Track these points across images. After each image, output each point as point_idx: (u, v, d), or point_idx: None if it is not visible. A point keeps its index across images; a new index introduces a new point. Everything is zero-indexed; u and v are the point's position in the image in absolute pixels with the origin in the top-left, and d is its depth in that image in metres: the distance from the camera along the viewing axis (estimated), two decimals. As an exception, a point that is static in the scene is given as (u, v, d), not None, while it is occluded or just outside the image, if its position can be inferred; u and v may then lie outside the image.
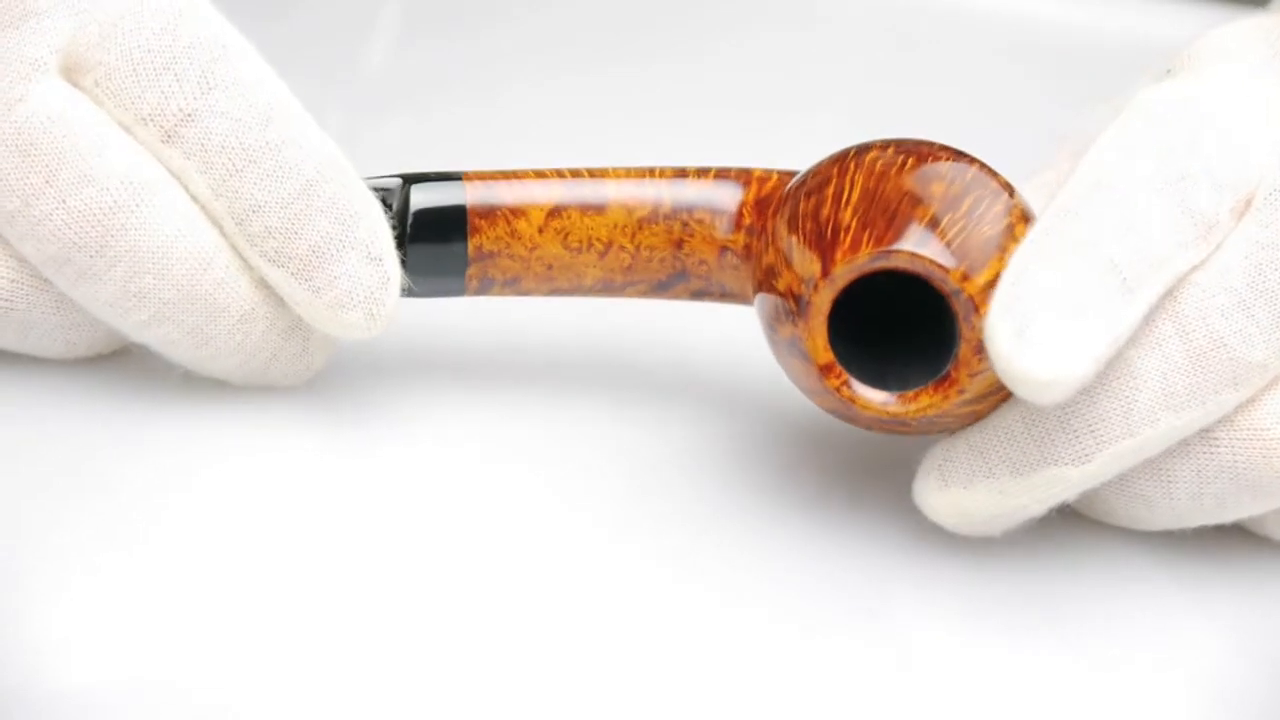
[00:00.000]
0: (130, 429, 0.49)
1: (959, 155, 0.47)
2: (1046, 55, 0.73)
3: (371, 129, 0.64)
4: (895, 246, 0.46)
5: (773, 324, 0.47)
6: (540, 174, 0.50)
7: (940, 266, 0.45)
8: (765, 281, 0.48)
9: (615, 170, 0.50)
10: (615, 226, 0.50)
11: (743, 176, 0.50)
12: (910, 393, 0.46)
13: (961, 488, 0.46)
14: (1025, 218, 0.46)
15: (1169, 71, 0.49)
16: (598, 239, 0.50)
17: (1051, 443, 0.45)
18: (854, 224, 0.46)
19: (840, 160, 0.47)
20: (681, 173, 0.50)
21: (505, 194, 0.50)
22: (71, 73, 0.48)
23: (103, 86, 0.48)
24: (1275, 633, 0.47)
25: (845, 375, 0.46)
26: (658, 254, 0.50)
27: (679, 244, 0.50)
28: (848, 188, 0.46)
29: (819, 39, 0.73)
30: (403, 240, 0.49)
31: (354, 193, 0.48)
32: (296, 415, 0.50)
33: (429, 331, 0.54)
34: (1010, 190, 0.47)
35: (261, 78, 0.48)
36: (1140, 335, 0.45)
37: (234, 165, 0.47)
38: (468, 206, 0.49)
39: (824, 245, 0.46)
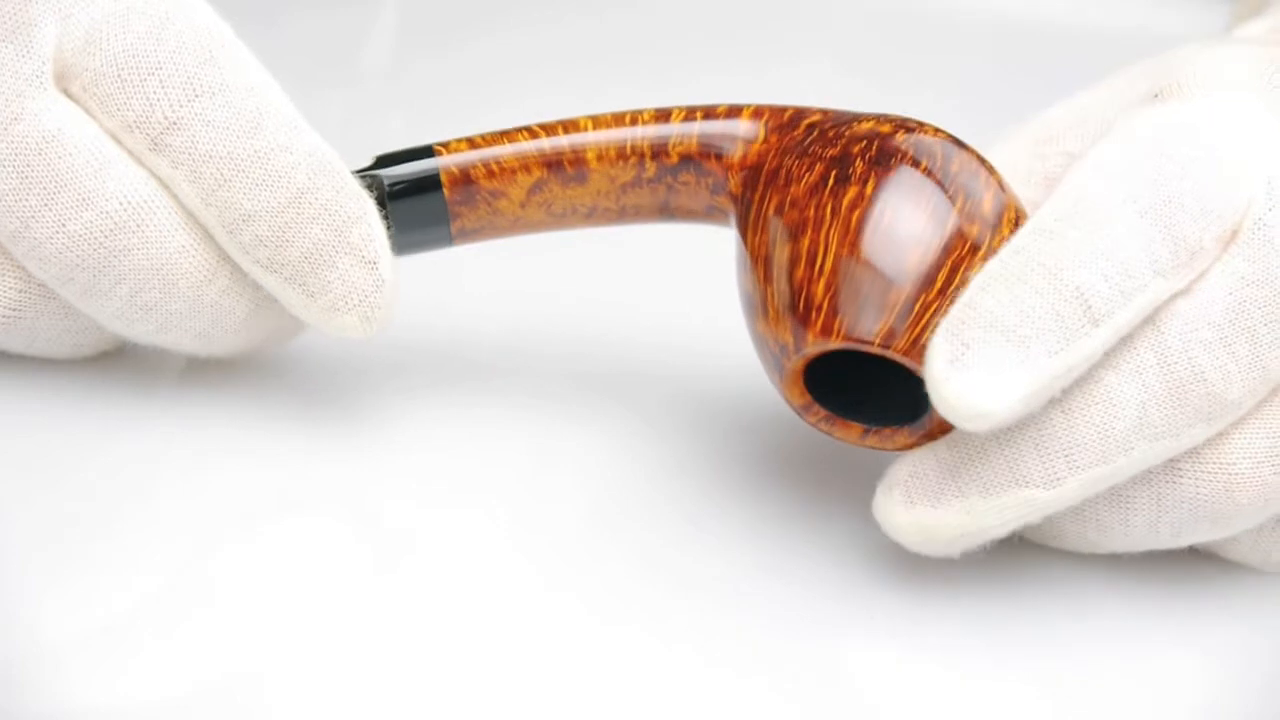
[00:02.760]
0: (121, 433, 0.49)
1: (947, 173, 0.45)
2: (1041, 47, 0.73)
3: (369, 134, 0.64)
4: (865, 339, 0.44)
5: (757, 348, 0.46)
6: (512, 137, 0.48)
7: (910, 357, 0.44)
8: (750, 305, 0.46)
9: (595, 122, 0.48)
10: (599, 193, 0.49)
11: (727, 135, 0.48)
12: (887, 429, 0.45)
13: (929, 506, 0.45)
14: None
15: (1157, 95, 0.48)
16: (581, 204, 0.49)
17: (1024, 464, 0.44)
18: (826, 305, 0.44)
19: (818, 193, 0.45)
20: (664, 116, 0.48)
21: (484, 180, 0.48)
22: (61, 79, 0.47)
23: (89, 92, 0.47)
24: (1240, 649, 0.47)
25: (822, 412, 0.46)
26: (644, 209, 0.49)
27: (664, 202, 0.49)
28: (821, 250, 0.44)
29: (815, 38, 0.74)
30: (383, 207, 0.48)
31: (347, 197, 0.47)
32: (288, 417, 0.50)
33: (422, 334, 0.54)
34: (999, 221, 0.45)
35: (251, 83, 0.47)
36: (1121, 361, 0.44)
37: (222, 175, 0.46)
38: (446, 199, 0.48)
39: (797, 316, 0.44)
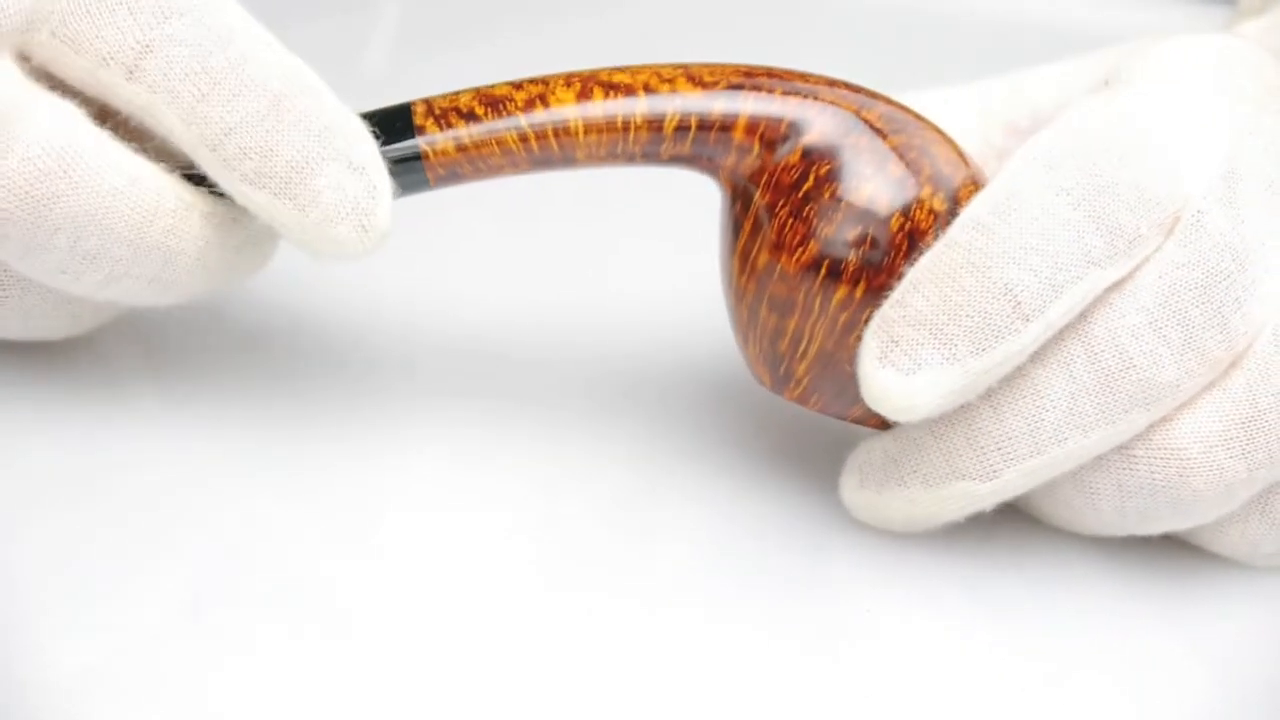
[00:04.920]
0: (121, 440, 0.49)
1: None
2: (1041, 47, 0.72)
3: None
4: (838, 417, 0.46)
5: (737, 344, 0.48)
6: (492, 119, 0.47)
7: (883, 430, 0.46)
8: (734, 322, 0.47)
9: (582, 105, 0.47)
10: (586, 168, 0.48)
11: (720, 142, 0.46)
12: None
13: (875, 491, 0.46)
14: None
15: (1106, 83, 0.47)
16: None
17: (959, 457, 0.45)
18: (806, 381, 0.46)
19: (808, 280, 0.45)
20: (657, 124, 0.47)
21: (471, 176, 0.47)
22: (27, 34, 0.46)
23: (59, 35, 0.46)
24: (1228, 635, 0.47)
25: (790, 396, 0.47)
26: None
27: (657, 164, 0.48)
28: (806, 338, 0.46)
29: (814, 38, 0.74)
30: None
31: (325, 106, 0.46)
32: (284, 422, 0.50)
33: (411, 331, 0.54)
34: None
35: (221, 4, 0.46)
36: (1048, 354, 0.44)
37: (199, 90, 0.46)
38: (431, 186, 0.47)
39: (777, 376, 0.46)
